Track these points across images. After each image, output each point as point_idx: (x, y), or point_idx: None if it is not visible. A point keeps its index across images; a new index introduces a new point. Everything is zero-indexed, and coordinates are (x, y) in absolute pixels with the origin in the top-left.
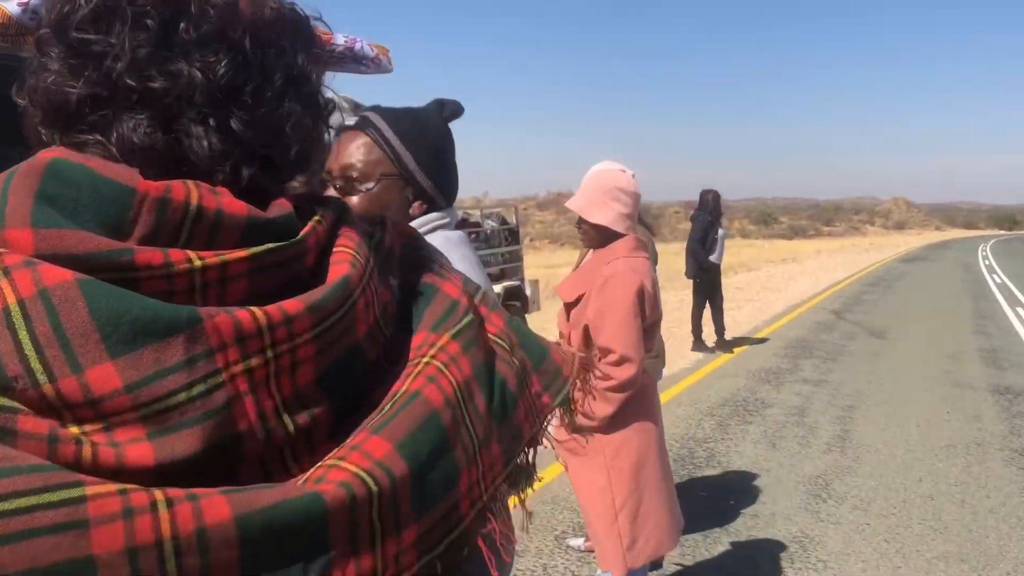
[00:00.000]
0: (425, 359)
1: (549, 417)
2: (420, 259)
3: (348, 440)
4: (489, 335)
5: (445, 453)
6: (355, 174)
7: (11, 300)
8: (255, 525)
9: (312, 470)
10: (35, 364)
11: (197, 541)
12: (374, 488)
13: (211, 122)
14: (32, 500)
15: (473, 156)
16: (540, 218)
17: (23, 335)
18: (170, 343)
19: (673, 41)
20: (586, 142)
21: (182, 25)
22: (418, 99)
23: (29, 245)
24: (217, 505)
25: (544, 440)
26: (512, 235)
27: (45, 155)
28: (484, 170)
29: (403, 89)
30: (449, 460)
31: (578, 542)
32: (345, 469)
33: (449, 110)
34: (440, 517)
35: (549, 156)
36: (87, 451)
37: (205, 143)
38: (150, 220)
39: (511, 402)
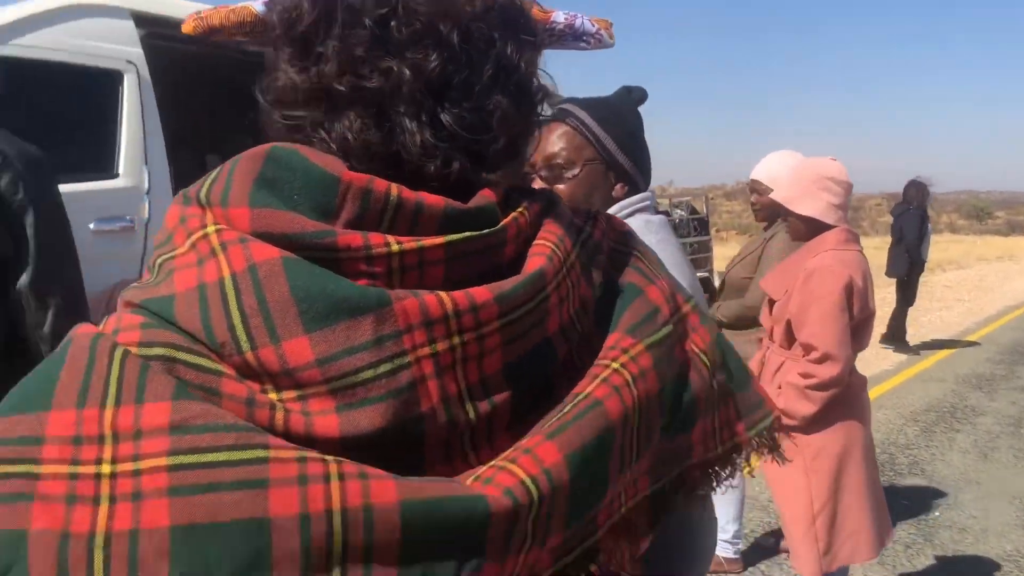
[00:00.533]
0: (615, 365)
1: (745, 448)
2: (629, 258)
3: (523, 441)
4: (691, 349)
5: (604, 467)
6: (560, 162)
7: (225, 273)
8: (417, 513)
9: (483, 469)
10: (240, 333)
11: (364, 517)
12: (536, 497)
13: (422, 117)
14: (223, 455)
15: (657, 143)
16: (728, 208)
17: (233, 306)
18: (360, 322)
19: (879, 22)
20: (777, 129)
21: (393, 24)
22: (593, 82)
23: (246, 223)
24: (386, 487)
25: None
26: (701, 225)
27: (268, 144)
28: (668, 158)
29: (580, 70)
30: (604, 473)
31: (771, 542)
32: (514, 474)
33: (636, 96)
34: (583, 527)
35: (736, 144)
36: (280, 416)
37: (417, 138)
38: (354, 207)
39: (688, 421)
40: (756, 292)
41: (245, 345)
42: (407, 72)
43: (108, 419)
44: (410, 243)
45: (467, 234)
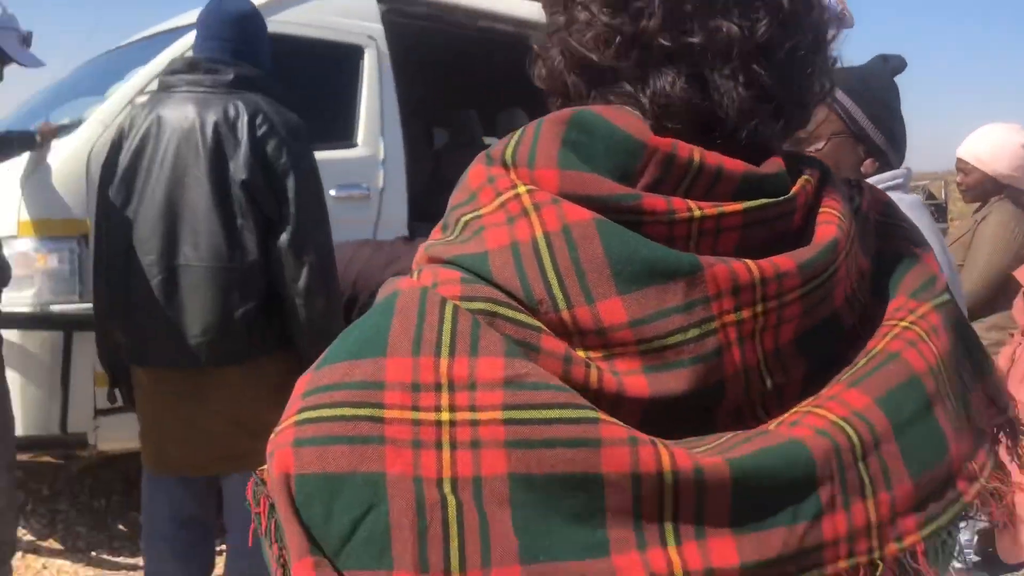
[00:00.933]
0: (903, 323)
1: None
2: (894, 227)
3: (824, 390)
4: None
5: (928, 417)
6: (803, 135)
7: (539, 232)
8: (746, 470)
9: (786, 415)
10: (556, 291)
11: (694, 478)
12: (855, 437)
13: (741, 79)
14: (556, 413)
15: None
16: None
17: (547, 264)
18: (671, 286)
19: None
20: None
21: None
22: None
23: (554, 184)
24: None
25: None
26: (939, 212)
27: (570, 108)
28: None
29: None
30: (933, 425)
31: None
32: (822, 416)
33: (893, 65)
34: (938, 484)
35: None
36: (594, 375)
37: (735, 98)
38: (656, 172)
39: (969, 399)
40: (970, 280)
41: (562, 303)
42: (735, 30)
43: (444, 368)
44: (710, 209)
45: (764, 201)
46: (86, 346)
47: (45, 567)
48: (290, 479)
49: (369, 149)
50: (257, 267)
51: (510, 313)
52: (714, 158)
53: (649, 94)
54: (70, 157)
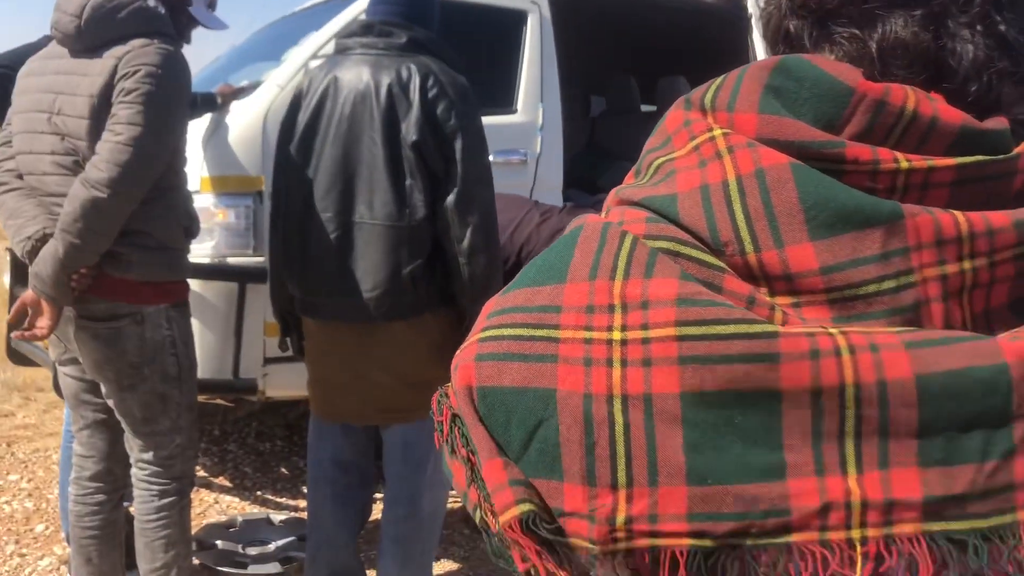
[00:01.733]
0: None
1: None
2: None
3: None
4: None
5: None
6: None
7: (730, 175)
8: (935, 386)
9: (1002, 335)
10: (744, 234)
11: (877, 393)
12: None
13: (980, 27)
14: (732, 328)
15: None
16: None
17: (737, 207)
18: (867, 235)
19: None
20: None
21: None
22: None
23: (752, 128)
24: (899, 360)
25: None
26: None
27: (778, 56)
28: None
29: None
30: None
31: None
32: None
33: None
34: None
35: None
36: (779, 317)
37: (970, 47)
38: (863, 120)
39: None
40: None
41: (749, 247)
42: None
43: (617, 290)
44: (919, 162)
45: (981, 158)
46: (258, 297)
47: (217, 501)
48: (472, 390)
49: (528, 115)
50: (425, 226)
51: (694, 253)
52: (928, 107)
53: (877, 36)
54: (247, 118)
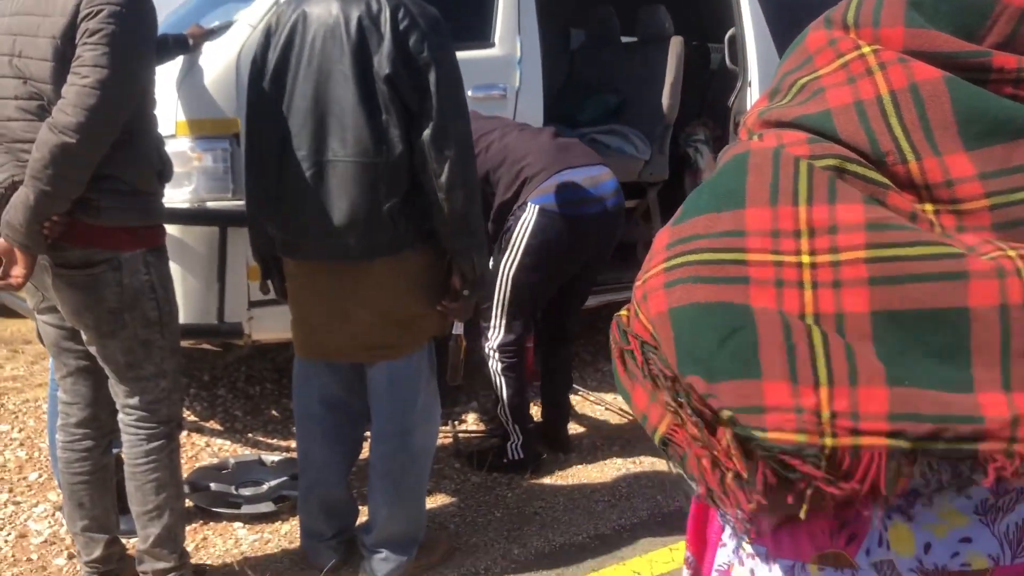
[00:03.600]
0: None
1: None
2: None
3: None
4: None
5: None
6: None
7: (884, 90)
8: None
9: None
10: (904, 144)
11: None
12: None
13: None
14: (920, 250)
15: None
16: None
17: (893, 120)
18: (1019, 145)
19: None
20: None
21: None
22: None
23: (899, 42)
24: None
25: None
26: None
27: None
28: None
29: None
30: None
31: None
32: None
33: None
34: None
35: None
36: (938, 232)
37: None
38: (1006, 29)
39: None
40: None
41: (910, 155)
42: None
43: (803, 216)
44: None
45: None
46: (240, 241)
47: (208, 445)
48: (664, 315)
49: (506, 49)
50: (402, 161)
51: (859, 169)
52: None
53: None
54: (221, 59)
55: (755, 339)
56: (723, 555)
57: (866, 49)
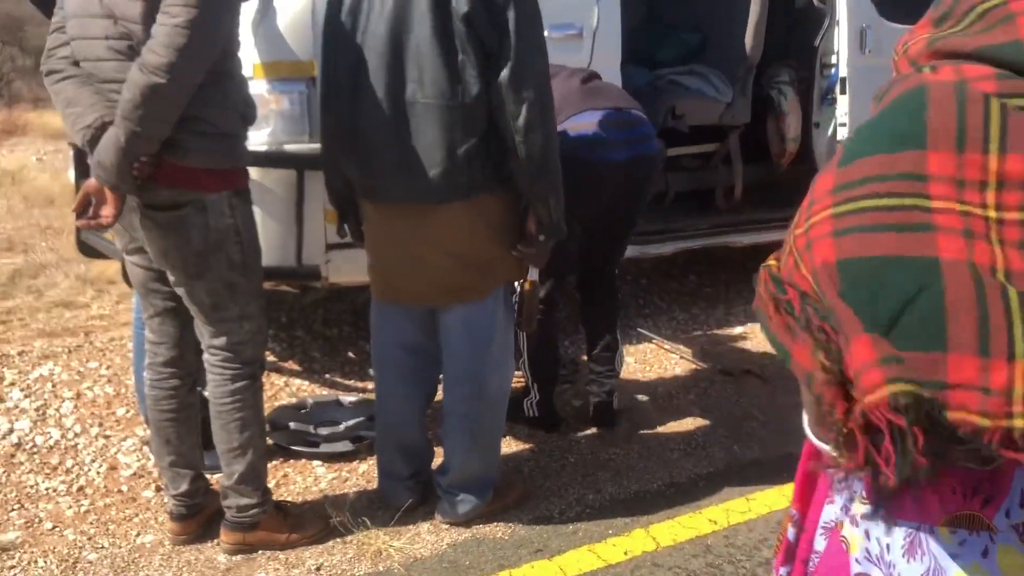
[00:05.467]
0: None
1: None
2: None
3: None
4: None
5: None
6: None
7: None
8: None
9: None
10: None
11: None
12: None
13: None
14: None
15: None
16: None
17: None
18: None
19: None
20: None
21: None
22: None
23: None
24: None
25: None
26: None
27: None
28: None
29: None
30: None
31: None
32: None
33: None
34: None
35: None
36: None
37: None
38: None
39: None
40: None
41: None
42: None
43: (993, 166)
44: None
45: None
46: (317, 184)
47: (287, 385)
48: (832, 267)
49: None
50: (479, 103)
51: None
52: None
53: None
54: (296, 1)
55: (942, 302)
56: (830, 512)
57: None
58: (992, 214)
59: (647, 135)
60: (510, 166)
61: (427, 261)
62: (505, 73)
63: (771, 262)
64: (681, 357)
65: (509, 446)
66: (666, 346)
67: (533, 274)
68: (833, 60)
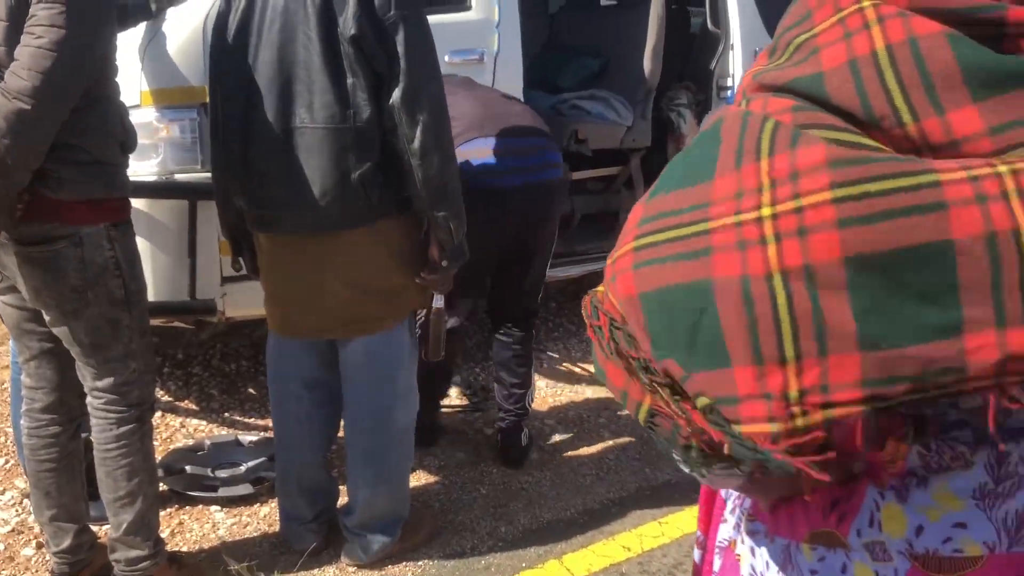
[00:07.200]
0: None
1: None
2: None
3: None
4: None
5: None
6: None
7: (879, 45)
8: None
9: None
10: (900, 103)
11: None
12: None
13: None
14: (892, 183)
15: None
16: None
17: (889, 77)
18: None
19: None
20: None
21: None
22: None
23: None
24: None
25: None
26: None
27: None
28: None
29: None
30: None
31: None
32: None
33: None
34: None
35: None
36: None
37: None
38: None
39: None
40: None
41: (907, 116)
42: None
43: (764, 169)
44: None
45: None
46: (210, 214)
47: (183, 426)
48: (634, 299)
49: (483, 12)
50: (371, 126)
51: (852, 139)
52: None
53: None
54: (186, 25)
55: (718, 322)
56: (724, 531)
57: (866, 3)
58: (766, 212)
59: (547, 163)
60: (409, 190)
61: (326, 291)
62: (397, 95)
63: (598, 289)
64: (591, 380)
65: (419, 479)
66: (576, 369)
67: (439, 301)
68: (729, 83)
